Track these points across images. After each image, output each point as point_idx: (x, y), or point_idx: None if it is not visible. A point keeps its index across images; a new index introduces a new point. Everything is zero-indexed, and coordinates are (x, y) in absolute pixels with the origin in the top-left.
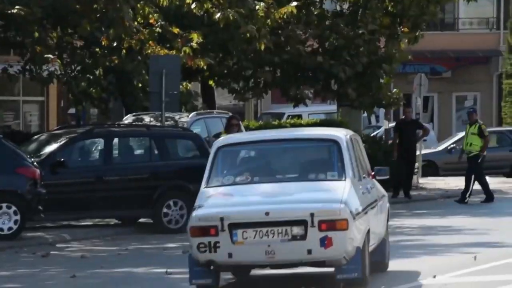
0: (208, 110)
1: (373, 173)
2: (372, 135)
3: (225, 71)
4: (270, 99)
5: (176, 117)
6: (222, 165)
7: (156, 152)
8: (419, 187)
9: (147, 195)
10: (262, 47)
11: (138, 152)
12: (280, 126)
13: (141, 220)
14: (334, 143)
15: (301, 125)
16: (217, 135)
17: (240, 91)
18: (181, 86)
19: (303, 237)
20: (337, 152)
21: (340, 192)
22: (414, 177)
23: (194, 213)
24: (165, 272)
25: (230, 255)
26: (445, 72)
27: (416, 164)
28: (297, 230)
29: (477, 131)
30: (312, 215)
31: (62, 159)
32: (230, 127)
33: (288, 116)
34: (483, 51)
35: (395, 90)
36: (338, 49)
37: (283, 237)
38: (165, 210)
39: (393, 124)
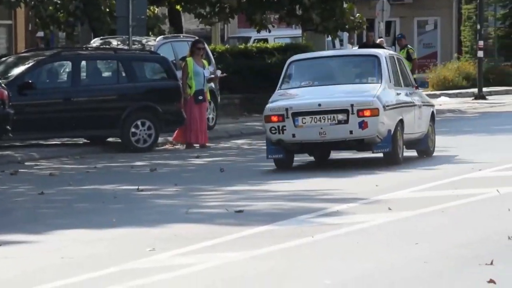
0: (175, 34)
1: (416, 85)
2: None
3: None
4: (237, 24)
5: (143, 41)
6: (291, 74)
7: (123, 74)
8: None
9: (115, 115)
10: None
11: (106, 74)
12: (246, 50)
13: (110, 139)
14: (375, 57)
15: (266, 49)
16: (183, 58)
17: (206, 16)
18: (148, 11)
19: (346, 121)
20: (377, 64)
21: (375, 90)
22: None
23: (267, 106)
24: (137, 189)
25: (293, 135)
26: None
27: None
28: (341, 116)
29: (405, 55)
30: (352, 105)
31: (30, 81)
32: (195, 51)
33: (255, 40)
34: None
35: (358, 14)
36: None
37: (331, 121)
38: (133, 129)
39: (356, 47)
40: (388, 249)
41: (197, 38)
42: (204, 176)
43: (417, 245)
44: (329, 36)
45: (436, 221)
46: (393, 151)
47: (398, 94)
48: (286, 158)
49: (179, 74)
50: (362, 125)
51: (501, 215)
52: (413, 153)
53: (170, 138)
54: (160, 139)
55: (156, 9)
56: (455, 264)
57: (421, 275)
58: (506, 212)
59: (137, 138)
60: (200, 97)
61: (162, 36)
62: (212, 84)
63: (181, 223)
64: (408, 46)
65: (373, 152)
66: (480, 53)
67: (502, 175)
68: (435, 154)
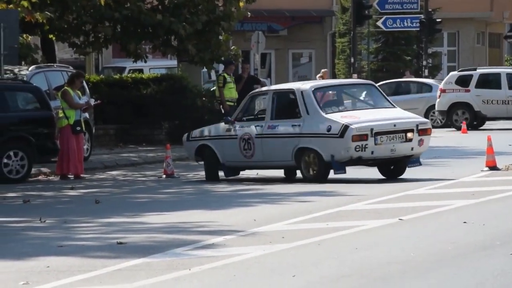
0: (49, 64)
1: None
2: (212, 89)
3: (65, 26)
4: (111, 53)
5: (16, 70)
6: (322, 101)
7: None
8: None
9: None
10: (102, 2)
11: None
12: (121, 80)
13: None
14: (371, 85)
15: (142, 79)
16: (58, 88)
17: (80, 45)
18: (20, 39)
19: (411, 140)
20: (377, 90)
21: (410, 113)
22: None
23: (351, 126)
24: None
25: (372, 152)
26: (282, 30)
27: None
28: (409, 135)
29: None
30: (417, 125)
31: None
32: (75, 82)
33: (130, 70)
34: (317, 11)
35: (233, 47)
36: (178, 7)
37: (401, 140)
38: (5, 160)
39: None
40: (265, 282)
41: (78, 70)
42: (79, 208)
43: (294, 277)
44: (205, 67)
45: (312, 253)
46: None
47: None
48: (345, 172)
49: (53, 104)
50: (420, 142)
51: (375, 246)
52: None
53: (43, 169)
54: (34, 170)
55: (29, 37)
56: None
57: None
58: (378, 243)
59: (10, 169)
60: (78, 128)
61: (35, 65)
62: (87, 115)
63: (54, 256)
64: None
65: (408, 167)
66: None
67: (377, 207)
68: (304, 186)
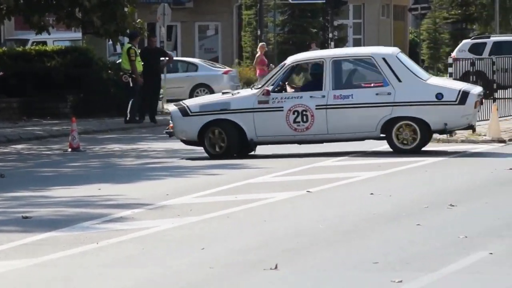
0: None
1: None
2: (117, 61)
3: None
4: (14, 26)
5: None
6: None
7: None
8: (164, 112)
9: None
10: None
11: None
12: (24, 52)
13: None
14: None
15: (46, 52)
16: None
17: None
18: None
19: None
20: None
21: None
22: (160, 102)
23: (472, 92)
24: None
25: (473, 120)
26: (188, 2)
27: (161, 90)
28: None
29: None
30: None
31: None
32: None
33: (33, 42)
34: None
35: (139, 20)
36: None
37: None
38: None
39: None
40: (173, 255)
41: None
42: None
43: (203, 250)
44: (110, 40)
45: (221, 226)
46: None
47: None
48: None
49: None
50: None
51: (283, 218)
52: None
53: None
54: None
55: None
56: (240, 269)
57: (206, 281)
58: (286, 215)
59: None
60: None
61: None
62: None
63: None
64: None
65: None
66: None
67: (285, 179)
68: (211, 160)
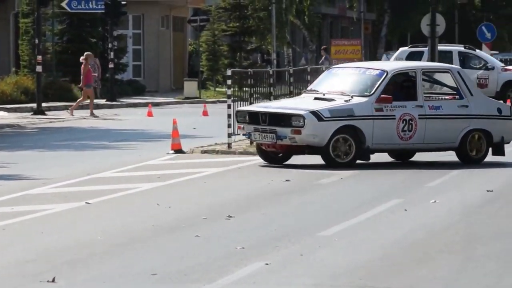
0: None
1: None
2: None
3: None
4: None
5: None
6: None
7: None
8: None
9: None
10: None
11: None
12: None
13: None
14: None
15: None
16: None
17: None
18: None
19: None
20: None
21: None
22: None
23: None
24: None
25: None
26: None
27: None
28: None
29: None
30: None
31: None
32: None
33: None
34: None
35: None
36: None
37: None
38: None
39: None
40: None
41: None
42: None
43: None
44: None
45: None
46: None
47: None
48: None
49: None
50: None
51: (62, 230)
52: None
53: None
54: None
55: None
56: (17, 282)
57: None
58: (65, 227)
59: None
60: None
61: None
62: None
63: None
64: None
65: None
66: (39, 68)
67: (63, 191)
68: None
